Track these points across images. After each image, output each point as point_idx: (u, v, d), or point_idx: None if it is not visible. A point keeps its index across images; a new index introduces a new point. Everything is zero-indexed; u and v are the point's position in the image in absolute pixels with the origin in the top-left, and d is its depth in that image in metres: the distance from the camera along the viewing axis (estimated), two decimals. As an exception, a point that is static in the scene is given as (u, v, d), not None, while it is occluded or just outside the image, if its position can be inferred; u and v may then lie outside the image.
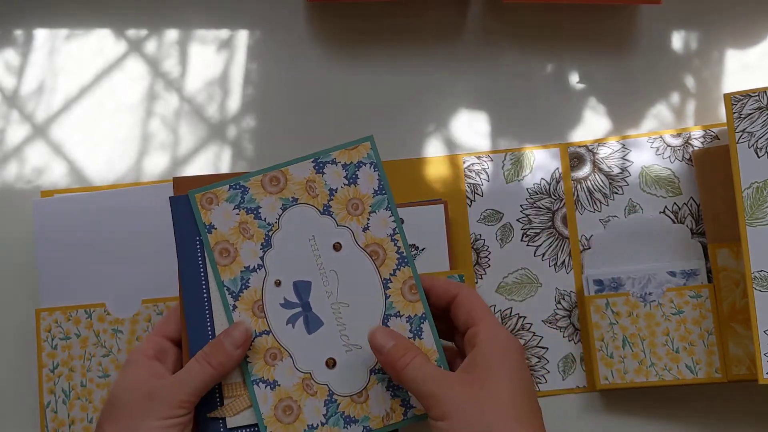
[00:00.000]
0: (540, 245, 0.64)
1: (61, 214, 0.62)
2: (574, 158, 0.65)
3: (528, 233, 0.64)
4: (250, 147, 0.66)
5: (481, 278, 0.64)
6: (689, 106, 0.66)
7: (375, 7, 0.67)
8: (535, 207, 0.65)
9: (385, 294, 0.49)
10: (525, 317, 0.64)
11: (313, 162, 0.51)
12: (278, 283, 0.49)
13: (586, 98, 0.67)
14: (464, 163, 0.65)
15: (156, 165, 0.65)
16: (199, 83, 0.66)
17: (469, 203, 0.65)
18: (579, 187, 0.65)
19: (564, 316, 0.64)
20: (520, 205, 0.65)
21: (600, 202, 0.64)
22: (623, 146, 0.65)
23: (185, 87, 0.66)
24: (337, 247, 0.49)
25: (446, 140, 0.66)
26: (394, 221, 0.50)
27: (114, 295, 0.61)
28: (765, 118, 0.57)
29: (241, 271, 0.49)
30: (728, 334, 0.60)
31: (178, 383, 0.47)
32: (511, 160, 0.65)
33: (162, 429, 0.45)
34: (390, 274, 0.49)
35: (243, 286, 0.49)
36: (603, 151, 0.65)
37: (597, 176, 0.65)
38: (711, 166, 0.62)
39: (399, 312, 0.49)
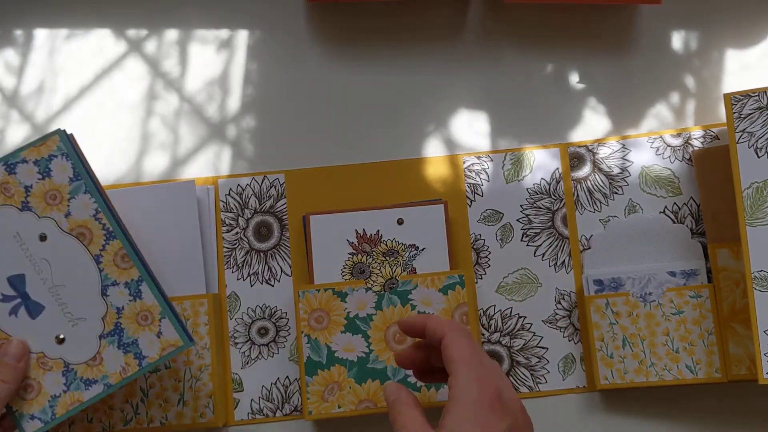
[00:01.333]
0: (540, 245, 0.64)
1: (60, 214, 0.62)
2: (574, 158, 0.65)
3: (528, 233, 0.64)
4: (250, 147, 0.66)
5: (481, 278, 0.64)
6: (689, 106, 0.66)
7: (375, 7, 0.67)
8: (535, 207, 0.65)
9: (99, 268, 0.53)
10: (525, 317, 0.64)
11: (3, 165, 0.54)
12: None
13: (586, 98, 0.67)
14: (464, 163, 0.65)
15: (156, 165, 0.65)
16: (199, 83, 0.66)
17: (469, 203, 0.65)
18: (579, 187, 0.65)
19: (564, 316, 0.64)
20: (520, 205, 0.65)
21: (600, 202, 0.64)
22: (623, 146, 0.65)
23: (185, 87, 0.66)
24: (42, 237, 0.53)
25: (446, 140, 0.66)
26: (95, 202, 0.54)
27: (114, 295, 0.61)
28: (765, 118, 0.57)
29: None
30: (728, 334, 0.60)
31: None
32: (511, 160, 0.65)
33: None
34: (100, 250, 0.54)
35: None
36: (603, 151, 0.65)
37: (597, 176, 0.65)
38: (711, 166, 0.62)
39: (115, 281, 0.53)
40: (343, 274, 0.60)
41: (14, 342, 0.53)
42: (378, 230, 0.61)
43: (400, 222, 0.61)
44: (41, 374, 0.54)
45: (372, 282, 0.60)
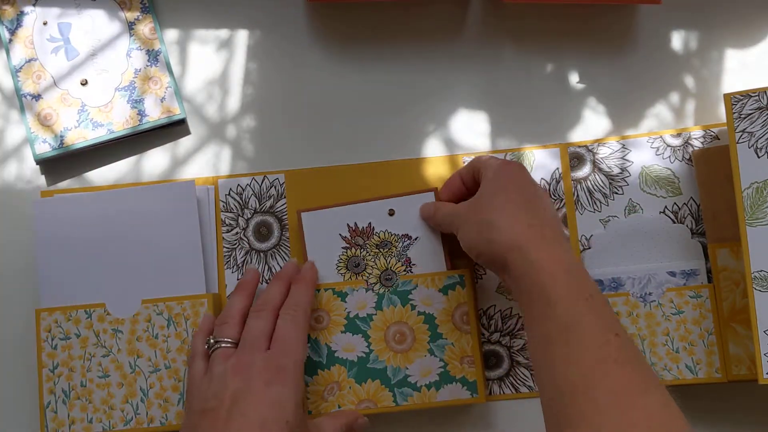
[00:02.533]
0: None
1: (61, 214, 0.62)
2: (574, 158, 0.65)
3: (528, 233, 0.64)
4: (250, 147, 0.66)
5: (481, 278, 0.64)
6: (689, 106, 0.66)
7: (375, 7, 0.67)
8: (535, 207, 0.65)
9: (130, 34, 0.65)
10: (525, 317, 0.64)
11: None
12: (45, 23, 0.64)
13: (586, 98, 0.67)
14: (464, 163, 0.65)
15: (156, 165, 0.65)
16: (199, 83, 0.66)
17: (469, 203, 0.65)
18: (579, 187, 0.65)
19: (564, 316, 0.64)
20: (520, 205, 0.65)
21: (600, 202, 0.64)
22: (623, 146, 0.65)
23: (185, 87, 0.66)
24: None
25: (446, 140, 0.66)
26: None
27: (114, 295, 0.61)
28: (765, 118, 0.57)
29: (17, 15, 0.65)
30: (728, 334, 0.60)
31: (267, 402, 0.53)
32: (511, 160, 0.65)
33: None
34: (135, 19, 0.65)
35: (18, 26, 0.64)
36: (603, 151, 0.65)
37: (597, 176, 0.65)
38: (711, 166, 0.62)
39: (140, 47, 0.64)
40: (339, 268, 0.61)
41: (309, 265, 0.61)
42: (370, 222, 0.61)
43: (391, 213, 0.61)
44: (63, 107, 0.63)
45: (367, 275, 0.60)
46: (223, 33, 0.67)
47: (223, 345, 0.55)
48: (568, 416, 0.44)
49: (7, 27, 0.65)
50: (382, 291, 0.60)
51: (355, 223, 0.61)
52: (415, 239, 0.61)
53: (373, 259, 0.61)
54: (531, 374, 0.63)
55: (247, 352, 0.53)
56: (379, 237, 0.61)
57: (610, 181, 0.64)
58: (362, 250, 0.61)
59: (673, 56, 0.67)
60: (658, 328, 0.61)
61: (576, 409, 0.44)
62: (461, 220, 0.55)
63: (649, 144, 0.64)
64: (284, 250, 0.64)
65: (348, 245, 0.61)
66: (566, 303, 0.47)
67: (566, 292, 0.48)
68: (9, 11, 0.65)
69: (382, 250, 0.61)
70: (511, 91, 0.67)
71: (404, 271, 0.61)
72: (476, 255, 0.54)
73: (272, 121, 0.66)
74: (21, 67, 0.64)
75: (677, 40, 0.67)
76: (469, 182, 0.60)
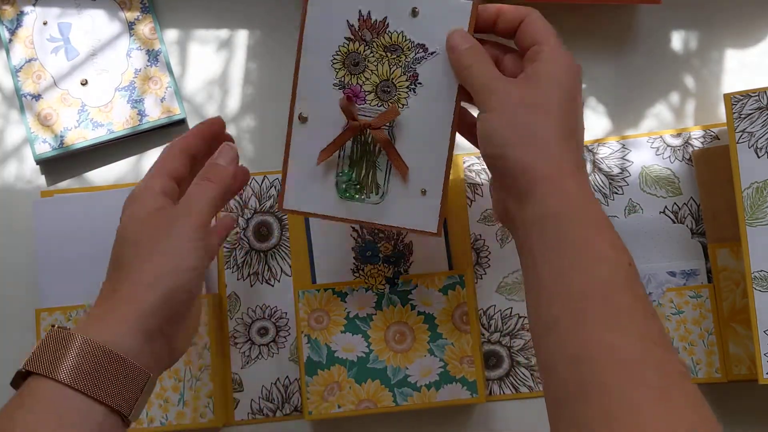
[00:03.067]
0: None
1: (61, 214, 0.62)
2: (574, 158, 0.65)
3: (528, 233, 0.64)
4: (250, 147, 0.66)
5: (481, 278, 0.64)
6: (689, 106, 0.66)
7: (375, 7, 0.67)
8: (535, 207, 0.64)
9: (130, 34, 0.65)
10: (525, 317, 0.64)
11: None
12: (45, 23, 0.65)
13: (586, 98, 0.67)
14: (464, 163, 0.65)
15: (156, 165, 0.65)
16: (199, 83, 0.66)
17: (469, 203, 0.65)
18: (579, 187, 0.64)
19: (564, 316, 0.64)
20: (520, 205, 0.65)
21: (600, 202, 0.64)
22: (623, 146, 0.65)
23: (185, 87, 0.66)
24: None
25: (446, 140, 0.66)
26: None
27: (114, 295, 0.60)
28: (765, 118, 0.57)
29: (17, 15, 0.65)
30: (728, 334, 0.60)
31: (189, 203, 0.47)
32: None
33: (191, 251, 0.45)
34: (135, 19, 0.65)
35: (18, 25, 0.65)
36: (603, 151, 0.65)
37: (597, 176, 0.65)
38: (711, 166, 0.62)
39: (140, 47, 0.64)
40: (334, 62, 0.51)
41: (229, 146, 0.51)
42: (386, 18, 0.51)
43: (414, 13, 0.50)
44: (63, 107, 0.64)
45: (365, 79, 0.51)
46: (223, 33, 0.67)
47: None
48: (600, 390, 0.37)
49: (7, 27, 0.65)
50: (377, 104, 0.52)
51: (369, 13, 0.51)
52: (432, 54, 0.51)
53: (375, 63, 0.51)
54: (531, 374, 0.63)
55: None
56: (391, 38, 0.51)
57: (610, 181, 0.64)
58: (367, 47, 0.51)
59: (673, 56, 0.67)
60: (658, 328, 0.61)
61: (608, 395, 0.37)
62: (498, 101, 0.45)
63: (649, 144, 0.64)
64: (284, 250, 0.64)
65: (352, 37, 0.51)
66: (611, 265, 0.41)
67: (612, 253, 0.41)
68: (9, 11, 0.65)
69: (389, 54, 0.51)
70: (511, 91, 0.66)
71: (407, 88, 0.51)
72: (496, 156, 0.45)
73: (272, 121, 0.66)
74: (21, 67, 0.64)
75: (677, 40, 0.67)
76: (519, 45, 0.49)
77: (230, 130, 0.66)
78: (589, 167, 0.65)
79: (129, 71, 0.65)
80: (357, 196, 0.53)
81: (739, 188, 0.56)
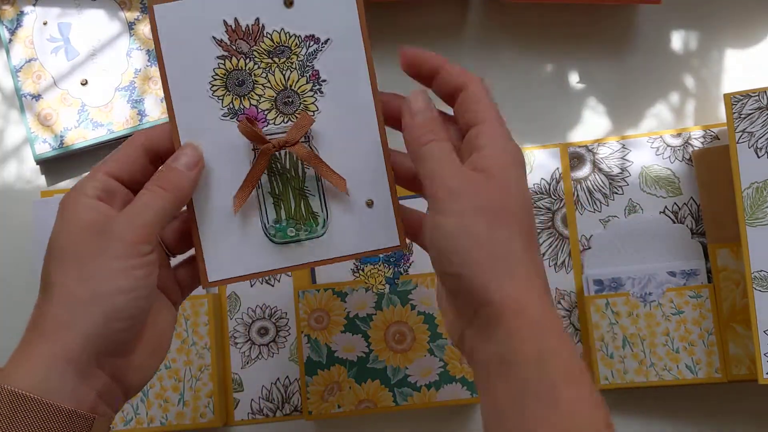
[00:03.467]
0: (540, 245, 0.64)
1: (61, 214, 0.61)
2: (574, 158, 0.65)
3: (528, 233, 0.64)
4: (250, 147, 0.66)
5: (481, 278, 0.64)
6: (689, 106, 0.66)
7: (375, 7, 0.67)
8: (535, 207, 0.65)
9: (130, 33, 0.65)
10: (525, 317, 0.64)
11: None
12: (45, 23, 0.65)
13: (586, 98, 0.67)
14: (464, 163, 0.65)
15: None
16: (199, 83, 0.66)
17: (469, 203, 0.65)
18: (579, 187, 0.65)
19: (564, 316, 0.64)
20: (520, 205, 0.64)
21: (600, 202, 0.64)
22: (623, 146, 0.65)
23: (185, 87, 0.66)
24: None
25: (446, 140, 0.66)
26: None
27: (114, 295, 0.60)
28: (765, 118, 0.57)
29: (17, 15, 0.65)
30: (728, 334, 0.60)
31: (130, 214, 0.39)
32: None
33: (123, 271, 0.38)
34: (135, 19, 0.65)
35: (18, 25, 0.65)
36: (603, 151, 0.65)
37: (597, 176, 0.65)
38: (711, 166, 0.62)
39: (139, 47, 0.63)
40: (213, 89, 0.43)
41: (190, 147, 0.42)
42: (257, 18, 0.42)
43: (288, 3, 0.42)
44: (63, 107, 0.63)
45: (257, 97, 0.43)
46: (223, 33, 0.67)
47: None
48: None
49: (7, 27, 0.65)
50: (282, 121, 0.43)
51: (236, 20, 0.42)
52: (326, 43, 0.43)
53: (264, 74, 0.43)
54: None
55: None
56: (272, 40, 0.42)
57: (610, 181, 0.64)
58: (248, 59, 0.42)
59: (673, 56, 0.67)
60: (658, 328, 0.61)
61: None
62: (457, 203, 0.38)
63: (649, 144, 0.64)
64: (284, 250, 0.64)
65: (226, 53, 0.42)
66: (584, 424, 0.35)
67: (587, 412, 0.35)
68: (9, 11, 0.65)
69: (277, 59, 0.43)
70: (511, 91, 0.67)
71: (311, 91, 0.43)
72: (452, 275, 0.38)
73: (272, 121, 0.66)
74: (21, 67, 0.64)
75: (677, 40, 0.67)
76: (457, 116, 0.43)
77: (230, 130, 0.66)
78: (589, 167, 0.65)
79: (129, 71, 0.65)
80: (295, 235, 0.44)
81: (739, 188, 0.56)
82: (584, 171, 0.65)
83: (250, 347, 0.63)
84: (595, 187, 0.64)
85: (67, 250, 0.39)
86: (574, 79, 0.67)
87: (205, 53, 0.42)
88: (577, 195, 0.64)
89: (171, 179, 0.41)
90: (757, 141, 0.56)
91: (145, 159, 0.42)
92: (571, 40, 0.67)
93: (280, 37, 0.42)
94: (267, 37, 0.42)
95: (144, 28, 0.65)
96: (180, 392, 0.60)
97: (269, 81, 0.43)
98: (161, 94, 0.64)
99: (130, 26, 0.65)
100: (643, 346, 0.61)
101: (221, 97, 0.43)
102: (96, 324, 0.38)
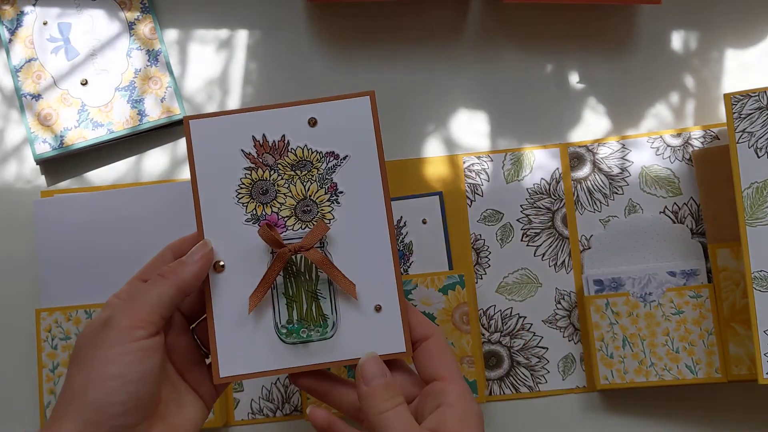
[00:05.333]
0: (540, 245, 0.64)
1: (61, 214, 0.62)
2: (574, 158, 0.65)
3: (528, 233, 0.64)
4: (250, 147, 0.66)
5: (481, 278, 0.64)
6: (689, 106, 0.66)
7: (375, 7, 0.67)
8: (535, 207, 0.65)
9: (130, 34, 0.65)
10: (525, 317, 0.64)
11: None
12: (45, 23, 0.64)
13: (586, 98, 0.67)
14: (464, 163, 0.65)
15: (156, 165, 0.65)
16: (199, 83, 0.66)
17: (469, 203, 0.65)
18: (579, 187, 0.65)
19: (564, 316, 0.64)
20: (520, 205, 0.65)
21: (600, 202, 0.64)
22: (623, 146, 0.65)
23: (185, 87, 0.66)
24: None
25: (446, 140, 0.66)
26: None
27: (114, 295, 0.61)
28: (765, 118, 0.57)
29: (17, 15, 0.65)
30: (728, 334, 0.60)
31: (127, 302, 0.41)
32: (511, 160, 0.65)
33: (116, 356, 0.39)
34: (135, 19, 0.65)
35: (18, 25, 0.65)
36: (603, 151, 0.65)
37: (597, 176, 0.65)
38: (711, 166, 0.62)
39: (140, 47, 0.64)
40: (239, 196, 0.47)
41: (199, 245, 0.45)
42: (284, 135, 0.47)
43: (312, 123, 0.47)
44: (63, 107, 0.63)
45: (279, 205, 0.47)
46: (223, 33, 0.67)
47: None
48: None
49: (7, 27, 0.65)
50: (300, 228, 0.47)
51: (264, 136, 0.47)
52: (344, 159, 0.47)
53: (286, 185, 0.47)
54: (531, 374, 0.63)
55: None
56: (296, 155, 0.47)
57: (610, 181, 0.64)
58: (272, 171, 0.47)
59: (673, 56, 0.67)
60: (658, 328, 0.61)
61: None
62: None
63: (649, 144, 0.64)
64: (284, 250, 0.64)
65: (253, 165, 0.47)
66: None
67: None
68: (9, 11, 0.65)
69: (299, 172, 0.47)
70: (511, 91, 0.67)
71: (328, 201, 0.47)
72: None
73: (272, 121, 0.66)
74: (21, 67, 0.64)
75: (677, 40, 0.67)
76: (418, 367, 0.46)
77: (230, 130, 0.66)
78: (589, 167, 0.65)
79: (129, 71, 0.65)
80: (306, 336, 0.46)
81: (739, 188, 0.56)
82: (584, 171, 0.65)
83: (250, 347, 0.63)
84: (595, 187, 0.64)
85: (78, 346, 0.41)
86: (574, 79, 0.67)
87: (233, 164, 0.46)
88: (577, 195, 0.64)
89: (173, 268, 0.43)
90: (757, 141, 0.56)
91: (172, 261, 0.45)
92: (571, 40, 0.67)
93: (303, 152, 0.47)
94: (291, 152, 0.47)
95: (144, 29, 0.65)
96: (180, 392, 0.60)
97: (291, 191, 0.47)
98: (161, 93, 0.64)
99: (130, 26, 0.65)
100: (643, 346, 0.61)
101: (246, 204, 0.46)
102: (88, 410, 0.39)
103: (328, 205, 0.47)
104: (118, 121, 0.64)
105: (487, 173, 0.65)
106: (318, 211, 0.46)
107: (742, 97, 0.57)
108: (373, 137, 0.47)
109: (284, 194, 0.47)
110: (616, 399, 0.63)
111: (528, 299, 0.64)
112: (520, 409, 0.63)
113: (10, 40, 0.64)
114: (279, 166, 0.47)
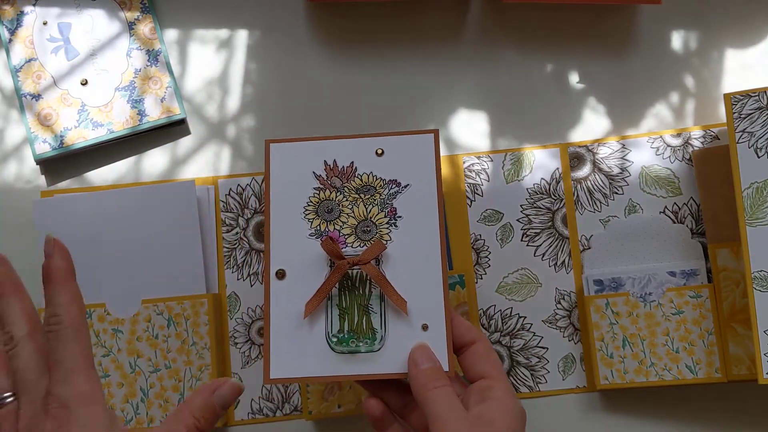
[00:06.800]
0: (540, 245, 0.64)
1: (61, 214, 0.62)
2: (574, 158, 0.65)
3: (528, 233, 0.64)
4: (249, 147, 0.66)
5: (481, 278, 0.64)
6: (689, 106, 0.66)
7: (375, 7, 0.67)
8: (535, 207, 0.65)
9: (130, 34, 0.64)
10: (525, 317, 0.64)
11: None
12: (45, 23, 0.64)
13: (586, 98, 0.67)
14: (464, 163, 0.65)
15: (156, 165, 0.65)
16: (199, 83, 0.66)
17: (469, 203, 0.65)
18: (579, 187, 0.65)
19: (564, 316, 0.64)
20: (520, 205, 0.65)
21: (600, 202, 0.64)
22: (623, 146, 0.65)
23: (185, 87, 0.66)
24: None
25: (446, 140, 0.66)
26: None
27: (114, 295, 0.61)
28: (765, 118, 0.57)
29: (17, 15, 0.64)
30: (728, 334, 0.60)
31: None
32: (511, 160, 0.65)
33: None
34: (135, 19, 0.65)
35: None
36: (603, 151, 0.65)
37: (597, 176, 0.65)
38: (711, 166, 0.62)
39: (140, 46, 0.64)
40: (306, 212, 0.51)
41: (233, 385, 0.44)
42: (352, 162, 0.51)
43: (379, 153, 0.52)
44: (63, 107, 0.63)
45: (341, 224, 0.51)
46: (223, 33, 0.67)
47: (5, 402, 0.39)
48: None
49: (7, 27, 0.65)
50: (359, 245, 0.50)
51: (335, 161, 0.51)
52: (405, 187, 0.51)
53: (350, 206, 0.51)
54: (531, 374, 0.63)
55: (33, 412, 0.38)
56: (362, 180, 0.51)
57: (610, 181, 0.64)
58: (339, 193, 0.51)
59: (673, 56, 0.67)
60: (658, 328, 0.61)
61: None
62: None
63: (649, 144, 0.64)
64: (284, 250, 0.64)
65: (322, 186, 0.51)
66: None
67: None
68: (9, 11, 0.65)
69: (363, 195, 0.51)
70: (511, 91, 0.67)
71: (387, 224, 0.50)
72: None
73: (272, 121, 0.66)
74: (21, 67, 0.64)
75: (677, 40, 0.67)
76: (465, 368, 0.49)
77: (230, 130, 0.66)
78: (589, 167, 0.65)
79: (129, 71, 0.65)
80: (354, 346, 0.49)
81: (739, 188, 0.56)
82: (584, 171, 0.65)
83: (250, 347, 0.63)
84: (595, 187, 0.64)
85: None
86: (574, 79, 0.67)
87: (304, 183, 0.51)
88: (577, 195, 0.64)
89: (206, 414, 0.42)
90: (757, 141, 0.56)
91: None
92: (571, 40, 0.67)
93: (368, 178, 0.51)
94: (358, 177, 0.51)
95: (144, 28, 0.65)
96: (180, 392, 0.60)
97: (353, 212, 0.51)
98: (161, 93, 0.64)
99: (130, 26, 0.65)
100: (643, 346, 0.61)
101: (311, 220, 0.51)
102: None
103: (387, 227, 0.50)
104: (118, 121, 0.64)
105: (487, 173, 0.65)
106: (377, 232, 0.50)
107: (742, 97, 0.57)
108: (434, 170, 0.51)
109: (347, 214, 0.51)
110: (616, 399, 0.63)
111: (528, 299, 0.64)
112: (520, 409, 0.63)
113: (10, 40, 0.64)
114: (345, 188, 0.51)
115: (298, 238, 0.50)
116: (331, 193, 0.51)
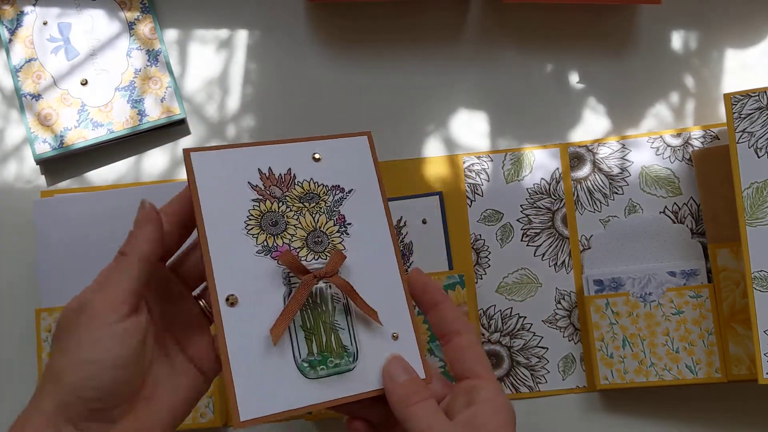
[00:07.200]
0: (540, 245, 0.64)
1: (61, 214, 0.62)
2: (574, 158, 0.65)
3: (528, 233, 0.64)
4: (250, 147, 0.66)
5: (481, 278, 0.64)
6: (689, 106, 0.66)
7: (375, 7, 0.67)
8: (535, 207, 0.65)
9: (130, 34, 0.65)
10: (525, 317, 0.64)
11: None
12: (45, 23, 0.64)
13: (586, 98, 0.67)
14: (464, 163, 0.65)
15: (156, 165, 0.65)
16: (199, 83, 0.66)
17: (469, 203, 0.65)
18: (579, 187, 0.65)
19: (564, 316, 0.64)
20: (520, 205, 0.65)
21: (600, 202, 0.64)
22: (623, 146, 0.65)
23: (185, 87, 0.66)
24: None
25: (446, 140, 0.66)
26: None
27: (114, 295, 0.60)
28: (765, 118, 0.57)
29: (17, 15, 0.65)
30: (728, 334, 0.60)
31: (101, 283, 0.41)
32: (511, 160, 0.65)
33: (95, 341, 0.39)
34: (135, 19, 0.65)
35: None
36: (603, 151, 0.65)
37: (597, 176, 0.65)
38: (711, 166, 0.62)
39: (140, 47, 0.65)
40: (248, 228, 0.45)
41: (144, 205, 0.45)
42: (289, 169, 0.47)
43: (317, 158, 0.48)
44: (62, 107, 0.63)
45: (290, 237, 0.46)
46: (223, 33, 0.67)
47: None
48: None
49: (7, 27, 0.65)
50: (312, 259, 0.45)
51: (270, 169, 0.46)
52: (350, 192, 0.47)
53: (295, 216, 0.46)
54: (531, 374, 0.63)
55: None
56: (303, 188, 0.47)
57: (610, 181, 0.64)
58: (281, 203, 0.46)
59: (673, 56, 0.67)
60: (658, 328, 0.61)
61: None
62: None
63: (649, 144, 0.64)
64: (284, 250, 0.64)
65: (261, 197, 0.46)
66: None
67: None
68: (9, 11, 0.65)
69: (307, 204, 0.46)
70: (511, 91, 0.67)
71: (338, 232, 0.47)
72: None
73: (272, 121, 0.66)
74: (21, 67, 0.64)
75: (677, 40, 0.67)
76: (451, 363, 0.46)
77: (230, 130, 0.66)
78: (589, 167, 0.65)
79: (129, 71, 0.65)
80: (330, 368, 0.44)
81: (739, 188, 0.56)
82: (584, 171, 0.65)
83: (250, 347, 0.63)
84: (595, 187, 0.64)
85: (58, 326, 0.40)
86: (574, 79, 0.67)
87: (240, 196, 0.45)
88: (577, 195, 0.64)
89: (128, 242, 0.43)
90: (757, 141, 0.56)
91: (161, 231, 0.44)
92: (571, 40, 0.67)
93: (309, 185, 0.47)
94: (298, 185, 0.46)
95: (144, 29, 0.65)
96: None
97: (300, 222, 0.46)
98: (161, 93, 0.64)
99: (130, 26, 0.65)
100: (643, 346, 0.61)
101: (256, 235, 0.44)
102: (64, 392, 0.39)
103: (338, 236, 0.46)
104: (118, 121, 0.64)
105: (487, 173, 0.65)
106: (329, 242, 0.46)
107: (742, 97, 0.57)
108: (374, 173, 0.48)
109: (294, 226, 0.46)
110: (616, 399, 0.63)
111: (528, 299, 0.64)
112: (520, 409, 0.63)
113: (10, 40, 0.64)
114: (287, 198, 0.46)
115: (244, 258, 0.44)
116: (272, 203, 0.46)
